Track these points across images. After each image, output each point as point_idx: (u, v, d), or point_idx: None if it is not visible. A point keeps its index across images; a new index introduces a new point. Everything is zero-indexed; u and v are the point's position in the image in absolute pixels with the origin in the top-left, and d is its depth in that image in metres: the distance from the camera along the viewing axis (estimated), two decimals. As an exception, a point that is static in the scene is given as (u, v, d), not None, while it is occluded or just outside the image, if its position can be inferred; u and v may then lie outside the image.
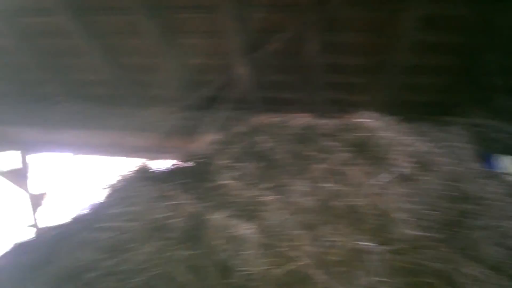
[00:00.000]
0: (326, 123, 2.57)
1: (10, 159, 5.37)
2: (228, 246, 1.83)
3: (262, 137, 2.53)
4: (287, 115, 2.78)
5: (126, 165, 3.38)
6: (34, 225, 5.45)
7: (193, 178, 2.50)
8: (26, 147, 4.81)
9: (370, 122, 2.51)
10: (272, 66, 4.07)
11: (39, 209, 5.34)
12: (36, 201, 5.31)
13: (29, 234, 5.45)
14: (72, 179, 8.64)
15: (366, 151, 2.28)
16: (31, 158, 5.40)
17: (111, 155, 4.66)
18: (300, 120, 2.65)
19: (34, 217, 5.38)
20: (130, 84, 4.56)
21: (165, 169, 2.79)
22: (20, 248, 2.18)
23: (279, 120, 2.67)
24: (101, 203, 2.38)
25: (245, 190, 2.20)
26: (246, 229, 1.93)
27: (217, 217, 1.97)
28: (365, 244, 1.81)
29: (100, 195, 2.61)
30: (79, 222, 2.18)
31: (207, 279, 1.78)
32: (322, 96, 4.06)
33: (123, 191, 2.46)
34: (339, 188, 2.04)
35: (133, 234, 2.03)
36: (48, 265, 1.88)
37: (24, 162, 5.39)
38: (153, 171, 2.77)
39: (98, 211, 2.27)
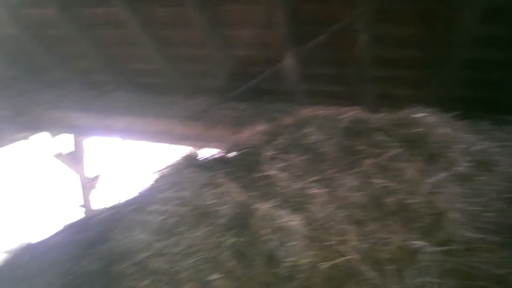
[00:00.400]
0: (378, 117, 2.49)
1: (65, 142, 5.73)
2: (274, 236, 1.83)
3: (310, 130, 2.50)
4: (336, 108, 2.72)
5: (174, 152, 3.49)
6: (86, 206, 5.80)
7: (239, 167, 2.53)
8: (80, 132, 5.09)
9: (425, 118, 2.40)
10: (320, 59, 3.99)
11: (92, 191, 5.67)
12: (89, 183, 5.63)
13: (80, 214, 5.83)
14: (123, 164, 9.08)
15: (420, 147, 2.18)
16: (85, 142, 5.73)
17: (159, 142, 4.81)
18: (350, 113, 2.58)
19: (86, 198, 5.71)
20: (180, 74, 4.67)
21: (212, 158, 2.84)
22: (74, 226, 2.31)
23: (327, 113, 2.63)
24: (151, 188, 2.47)
25: (291, 182, 2.20)
26: (292, 220, 1.93)
27: (264, 207, 1.98)
28: (416, 243, 1.75)
29: (149, 180, 2.72)
30: (131, 204, 2.27)
31: (252, 267, 1.80)
32: (371, 90, 3.93)
33: (172, 177, 2.54)
34: (390, 184, 1.98)
35: (181, 218, 2.09)
36: (102, 244, 1.98)
37: (78, 145, 5.73)
38: (200, 159, 2.84)
39: (148, 195, 2.35)
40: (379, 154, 2.18)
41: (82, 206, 5.99)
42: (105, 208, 2.35)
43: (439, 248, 1.75)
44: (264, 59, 4.25)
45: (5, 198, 6.80)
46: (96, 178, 5.75)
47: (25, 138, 4.93)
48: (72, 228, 2.19)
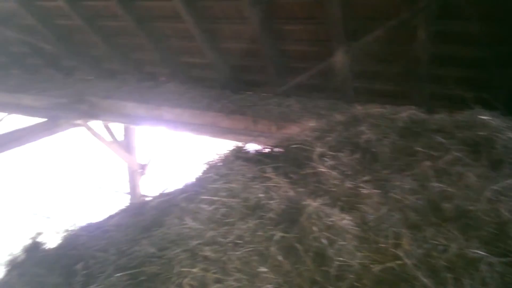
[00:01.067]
0: (437, 118, 2.38)
1: (117, 131, 6.02)
2: (324, 234, 1.81)
3: (363, 128, 2.43)
4: (390, 106, 2.63)
5: (220, 145, 3.54)
6: (133, 193, 6.06)
7: (288, 163, 2.51)
8: (132, 121, 5.29)
9: (489, 121, 2.26)
10: (374, 55, 3.88)
11: (140, 178, 5.91)
12: (138, 170, 5.87)
13: (126, 200, 6.09)
14: (171, 153, 9.39)
15: (484, 151, 2.05)
16: (136, 131, 5.98)
17: (205, 135, 4.91)
18: (406, 113, 2.48)
19: (134, 185, 5.97)
20: (229, 69, 4.73)
21: (260, 152, 2.85)
22: (129, 210, 2.41)
23: (382, 111, 2.54)
24: (201, 178, 2.52)
25: (342, 180, 2.16)
26: (343, 219, 1.89)
27: (314, 204, 1.96)
28: (475, 251, 1.66)
29: (198, 171, 2.79)
30: (183, 192, 2.34)
31: (300, 263, 1.79)
32: (428, 89, 3.76)
33: (221, 169, 2.58)
34: (449, 189, 1.88)
35: (230, 209, 2.13)
36: (155, 229, 2.06)
37: (129, 134, 5.99)
38: (248, 152, 2.86)
39: (199, 185, 2.41)
40: (438, 157, 2.08)
41: (129, 192, 6.28)
42: (158, 195, 2.43)
43: (500, 259, 1.64)
44: (314, 55, 4.20)
45: (58, 181, 7.26)
46: (144, 166, 5.99)
47: (81, 125, 5.22)
48: (128, 212, 2.29)
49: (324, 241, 1.80)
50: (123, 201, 6.34)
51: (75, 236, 2.00)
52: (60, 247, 1.94)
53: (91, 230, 2.05)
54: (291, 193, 2.16)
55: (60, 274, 1.68)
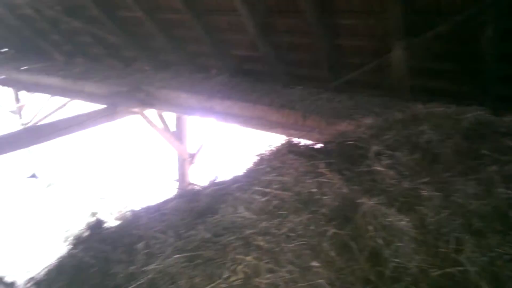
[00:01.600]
0: (505, 120, 2.23)
1: (169, 120, 6.24)
2: (380, 234, 1.78)
3: (424, 127, 2.34)
4: (455, 106, 2.50)
5: (270, 138, 3.56)
6: (181, 180, 6.27)
7: (341, 159, 2.48)
8: (184, 111, 5.46)
9: None
10: (435, 52, 3.70)
11: (189, 167, 6.10)
12: (188, 159, 6.07)
13: (175, 187, 6.31)
14: (220, 144, 9.60)
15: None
16: (187, 121, 6.16)
17: (254, 128, 4.95)
18: (472, 113, 2.35)
19: (183, 173, 6.18)
20: (281, 62, 4.73)
21: (312, 147, 2.84)
22: (185, 196, 2.50)
23: (445, 111, 2.43)
24: (254, 170, 2.56)
25: (399, 181, 2.09)
26: (400, 220, 1.84)
27: (369, 203, 1.92)
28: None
29: (250, 162, 2.83)
30: (236, 182, 2.38)
31: (353, 260, 1.77)
32: (494, 90, 3.53)
33: (273, 162, 2.60)
34: (518, 196, 1.77)
35: (283, 202, 2.14)
36: (210, 215, 2.12)
37: (181, 124, 6.19)
38: (300, 147, 2.85)
39: (251, 176, 2.45)
40: (505, 162, 1.95)
41: (178, 180, 6.50)
42: (211, 183, 2.50)
43: None
44: (370, 50, 4.09)
45: (114, 165, 7.66)
46: (194, 155, 6.17)
47: (138, 113, 5.46)
48: (183, 198, 2.37)
49: (380, 241, 1.76)
50: (172, 188, 6.59)
51: (136, 216, 2.11)
52: (122, 226, 2.06)
53: (150, 212, 2.15)
54: (345, 190, 2.13)
55: (123, 251, 1.79)
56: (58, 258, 1.89)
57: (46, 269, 1.83)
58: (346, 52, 4.34)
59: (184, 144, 6.14)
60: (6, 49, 7.03)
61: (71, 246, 1.98)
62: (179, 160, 6.37)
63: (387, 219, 1.83)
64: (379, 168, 2.20)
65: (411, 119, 2.47)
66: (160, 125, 5.94)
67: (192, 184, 6.03)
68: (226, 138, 9.65)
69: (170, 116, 6.68)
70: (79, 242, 1.98)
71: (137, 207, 2.39)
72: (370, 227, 1.81)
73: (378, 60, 3.97)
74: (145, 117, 5.55)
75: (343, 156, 2.48)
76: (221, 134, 9.49)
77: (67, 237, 5.86)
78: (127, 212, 2.47)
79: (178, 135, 6.20)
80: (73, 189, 7.86)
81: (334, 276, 1.73)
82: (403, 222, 1.83)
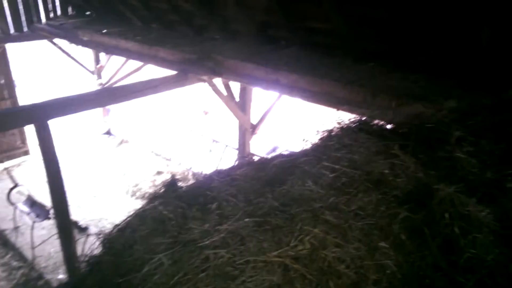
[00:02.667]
0: None
1: (233, 89, 6.34)
2: (457, 222, 1.70)
3: (514, 115, 2.15)
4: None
5: (338, 115, 3.48)
6: (242, 150, 6.42)
7: (417, 142, 2.38)
8: (250, 82, 5.50)
9: None
10: None
11: (251, 137, 6.22)
12: (250, 129, 6.17)
13: (235, 157, 6.47)
14: (283, 117, 9.64)
15: None
16: (252, 92, 6.22)
17: (319, 103, 4.87)
18: None
19: (244, 143, 6.31)
20: (353, 36, 4.54)
21: (385, 127, 2.75)
22: (254, 164, 2.57)
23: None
24: (323, 145, 2.55)
25: (482, 170, 1.97)
26: (479, 211, 1.75)
27: (447, 189, 1.84)
28: None
29: (319, 138, 2.81)
30: (304, 156, 2.40)
31: (425, 246, 1.73)
32: None
33: (343, 139, 2.56)
34: None
35: (352, 180, 2.12)
36: (278, 185, 2.17)
37: (245, 94, 6.26)
38: (372, 126, 2.77)
39: (320, 151, 2.44)
40: None
41: (238, 149, 6.66)
42: (280, 155, 2.54)
43: None
44: (456, 27, 3.76)
45: (180, 129, 8.00)
46: (256, 126, 6.26)
47: (206, 81, 5.61)
48: (252, 166, 2.44)
49: (456, 229, 1.69)
50: (232, 156, 6.80)
51: (209, 178, 2.22)
52: (195, 186, 2.18)
53: (221, 176, 2.24)
54: (420, 174, 2.05)
55: (198, 209, 1.91)
56: (140, 209, 2.06)
57: (128, 218, 2.02)
58: (427, 28, 4.04)
59: (247, 114, 6.24)
60: (89, 13, 7.49)
61: (151, 200, 2.13)
62: (241, 130, 6.50)
63: (466, 208, 1.75)
64: (460, 155, 2.08)
65: (502, 105, 2.27)
66: (225, 94, 6.07)
67: (253, 154, 6.16)
68: (289, 111, 9.65)
69: (236, 86, 6.78)
70: (157, 197, 2.14)
71: (201, 170, 2.52)
72: (446, 215, 1.74)
73: (462, 38, 3.65)
74: (212, 85, 5.69)
75: (420, 139, 2.37)
76: (285, 107, 9.52)
77: (135, 192, 6.30)
78: (197, 174, 2.61)
79: (242, 105, 6.30)
80: (142, 147, 8.41)
81: (403, 259, 1.71)
82: (483, 213, 1.73)
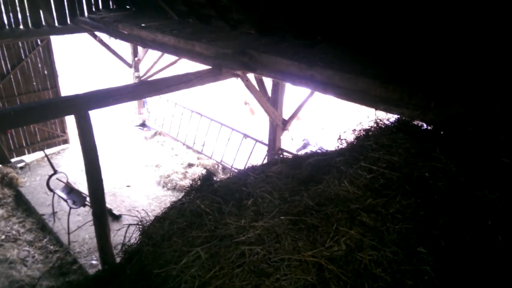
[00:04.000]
0: None
1: (266, 84, 6.33)
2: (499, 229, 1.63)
3: None
4: None
5: (376, 114, 3.41)
6: (273, 145, 6.41)
7: (459, 146, 2.29)
8: (284, 77, 5.47)
9: None
10: None
11: (282, 133, 6.20)
12: (281, 125, 6.16)
13: (266, 151, 6.47)
14: (315, 115, 9.54)
15: None
16: (285, 87, 6.19)
17: (355, 102, 4.78)
18: None
19: (274, 139, 6.31)
20: (394, 33, 4.41)
21: (425, 128, 2.66)
22: (288, 162, 2.57)
23: None
24: (360, 145, 2.50)
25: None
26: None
27: (490, 196, 1.76)
28: None
29: (353, 137, 2.77)
30: (340, 155, 2.36)
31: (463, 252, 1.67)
32: None
33: (381, 139, 2.50)
34: None
35: (390, 182, 2.08)
36: (313, 184, 2.15)
37: (277, 90, 6.24)
38: (411, 126, 2.70)
39: (357, 151, 2.40)
40: None
41: (268, 144, 6.66)
42: (315, 153, 2.52)
43: None
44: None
45: (211, 123, 8.07)
46: (287, 122, 6.24)
47: (240, 76, 5.63)
48: (286, 163, 2.43)
49: (500, 238, 1.62)
50: (262, 152, 6.82)
51: (244, 174, 2.24)
52: (232, 181, 2.21)
53: (256, 173, 2.25)
54: (463, 179, 1.98)
55: (234, 205, 1.93)
56: (178, 202, 2.11)
57: (167, 210, 2.07)
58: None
59: (279, 110, 6.22)
60: (128, 7, 7.68)
61: (187, 193, 2.18)
62: (272, 126, 6.49)
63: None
64: (506, 160, 1.98)
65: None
66: (258, 89, 6.07)
67: (283, 150, 6.14)
68: (323, 109, 9.53)
69: (268, 81, 6.76)
70: (194, 191, 2.18)
71: (231, 164, 2.54)
72: (489, 222, 1.67)
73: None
74: (245, 80, 5.71)
75: (463, 143, 2.28)
76: (318, 105, 9.41)
77: (167, 183, 6.38)
78: (227, 168, 2.62)
79: (274, 101, 6.29)
80: (175, 140, 8.59)
81: (440, 264, 1.66)
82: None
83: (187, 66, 7.08)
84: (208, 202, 1.95)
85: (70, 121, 7.23)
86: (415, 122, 2.80)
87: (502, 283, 1.53)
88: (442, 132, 2.58)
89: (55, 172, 6.17)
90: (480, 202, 1.78)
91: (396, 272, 1.62)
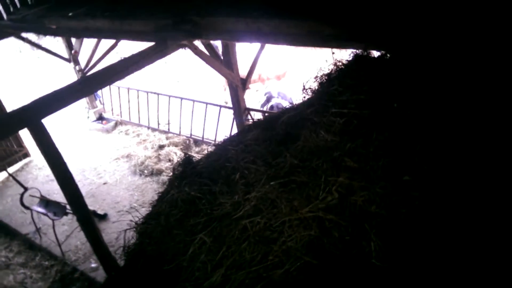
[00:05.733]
0: None
1: (217, 48, 6.14)
2: None
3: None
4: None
5: (332, 55, 3.40)
6: (239, 107, 6.36)
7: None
8: (232, 37, 5.31)
9: None
10: None
11: (243, 92, 6.15)
12: (240, 85, 6.09)
13: (232, 114, 6.42)
14: (274, 66, 9.36)
15: None
16: (235, 47, 6.04)
17: (308, 45, 4.75)
18: None
19: (239, 99, 6.25)
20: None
21: (381, 57, 2.70)
22: (260, 126, 2.56)
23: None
24: (324, 91, 2.52)
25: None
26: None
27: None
28: None
29: (315, 83, 2.78)
30: (310, 106, 2.38)
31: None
32: None
33: (345, 79, 2.53)
34: None
35: (363, 121, 2.13)
36: (292, 142, 2.18)
37: (229, 50, 6.08)
38: (373, 60, 2.73)
39: (324, 97, 2.42)
40: None
41: (233, 107, 6.61)
42: (285, 109, 2.52)
43: None
44: None
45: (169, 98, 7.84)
46: (246, 81, 6.16)
47: (187, 45, 5.41)
48: (259, 127, 2.43)
49: None
50: (229, 116, 6.76)
51: (224, 149, 2.23)
52: (213, 160, 2.20)
53: (235, 145, 2.25)
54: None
55: (223, 183, 1.94)
56: (167, 194, 2.09)
57: (158, 205, 2.05)
58: None
59: (235, 71, 6.11)
60: (48, -2, 7.02)
61: (172, 182, 2.15)
62: (232, 87, 6.40)
63: None
64: None
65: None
66: (209, 54, 5.89)
67: (249, 109, 6.13)
68: (278, 60, 9.40)
69: (218, 44, 6.53)
70: (179, 178, 2.15)
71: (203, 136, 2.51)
72: None
73: None
74: (193, 48, 5.50)
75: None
76: (274, 56, 9.26)
77: (143, 170, 6.24)
78: (205, 141, 2.59)
79: (228, 63, 6.15)
80: (138, 125, 8.34)
81: (426, 189, 1.77)
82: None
83: (132, 46, 6.70)
84: (197, 187, 1.95)
85: (24, 133, 6.82)
86: (371, 54, 2.83)
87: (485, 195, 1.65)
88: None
89: (26, 189, 5.91)
90: (448, 121, 1.87)
91: (389, 205, 1.72)
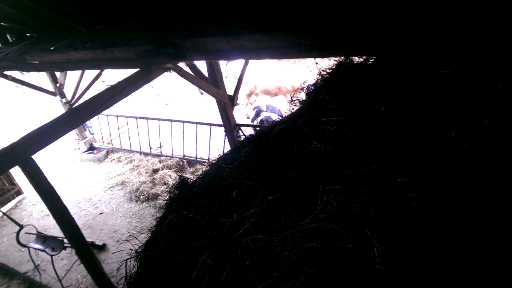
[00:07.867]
0: None
1: (202, 68, 6.18)
2: None
3: None
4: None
5: (315, 67, 3.44)
6: (229, 124, 6.37)
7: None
8: (215, 56, 5.36)
9: None
10: None
11: (232, 109, 6.17)
12: (228, 102, 6.11)
13: (224, 131, 6.40)
14: (262, 81, 9.43)
15: None
16: (219, 65, 6.08)
17: (291, 56, 4.80)
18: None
19: (229, 116, 6.27)
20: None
21: (367, 63, 2.74)
22: (252, 141, 2.57)
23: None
24: (312, 101, 2.55)
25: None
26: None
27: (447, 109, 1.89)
28: None
29: (301, 94, 2.81)
30: (300, 117, 2.41)
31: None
32: None
33: (330, 89, 2.57)
34: None
35: (354, 128, 2.15)
36: (287, 154, 2.19)
37: (213, 69, 6.13)
38: (352, 67, 2.77)
39: (312, 108, 2.45)
40: None
41: (224, 124, 6.62)
42: (276, 122, 2.54)
43: None
44: None
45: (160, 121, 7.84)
46: (234, 97, 6.20)
47: (171, 68, 5.44)
48: (252, 142, 2.44)
49: None
50: (220, 133, 6.77)
51: (219, 168, 2.22)
52: (209, 180, 2.19)
53: (228, 163, 2.25)
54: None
55: (220, 202, 1.93)
56: (165, 218, 2.07)
57: (157, 230, 2.03)
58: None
59: (221, 88, 6.15)
60: (29, 35, 7.05)
61: (170, 206, 2.14)
62: (220, 105, 6.43)
63: None
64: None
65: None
66: (194, 75, 5.93)
67: (239, 125, 6.15)
68: (268, 74, 9.50)
69: (202, 64, 6.59)
70: (177, 201, 2.14)
71: (196, 156, 2.51)
72: None
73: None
74: (178, 70, 5.54)
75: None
76: (262, 72, 9.35)
77: (138, 196, 6.15)
78: (198, 161, 2.58)
79: (214, 81, 6.19)
80: (129, 151, 8.30)
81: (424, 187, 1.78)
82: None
83: (116, 74, 6.72)
84: (195, 209, 1.94)
85: (16, 170, 6.73)
86: (357, 60, 2.87)
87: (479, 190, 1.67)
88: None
89: (21, 226, 5.80)
90: (440, 119, 1.90)
91: (388, 208, 1.72)
